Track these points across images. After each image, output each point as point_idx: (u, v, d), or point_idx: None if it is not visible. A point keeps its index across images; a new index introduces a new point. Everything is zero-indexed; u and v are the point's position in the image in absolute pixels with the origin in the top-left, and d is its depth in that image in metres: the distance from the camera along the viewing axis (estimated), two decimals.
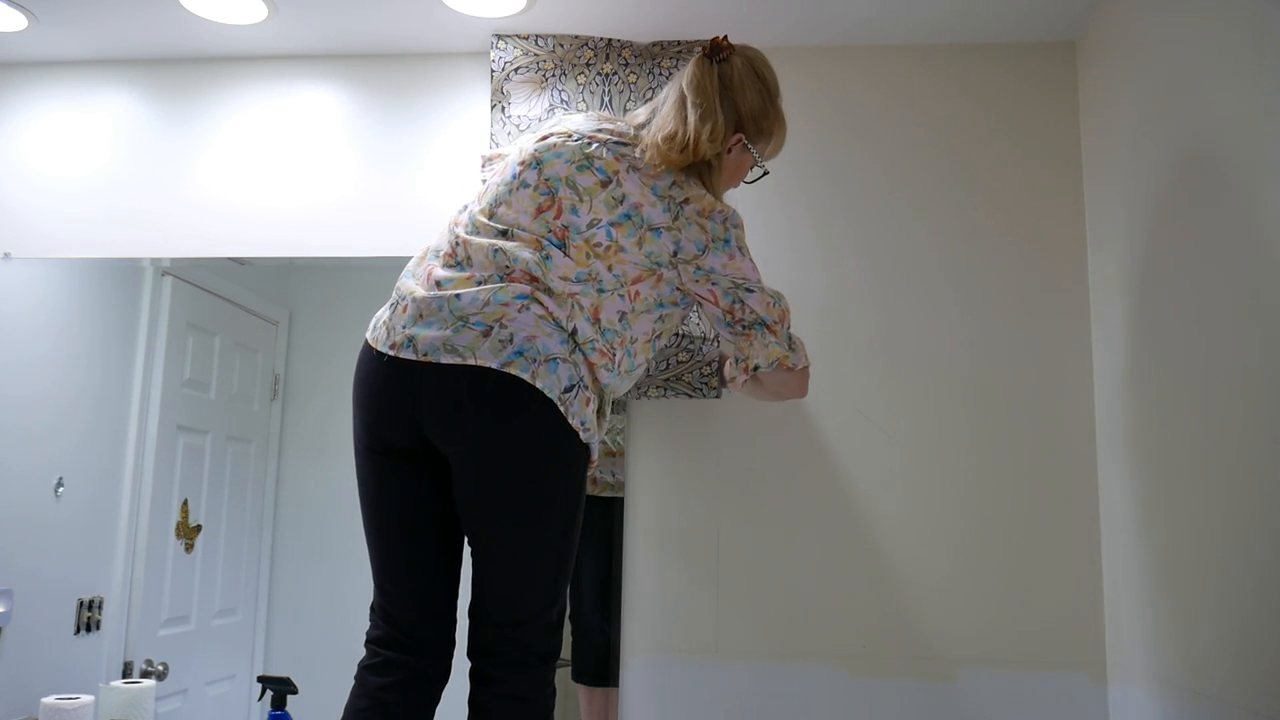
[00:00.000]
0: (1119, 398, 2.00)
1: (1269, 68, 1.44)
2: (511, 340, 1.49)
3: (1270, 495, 1.42)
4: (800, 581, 2.12)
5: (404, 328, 1.54)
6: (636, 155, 1.65)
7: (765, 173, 1.79)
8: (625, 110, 2.21)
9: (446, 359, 1.50)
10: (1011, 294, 2.18)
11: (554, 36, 2.26)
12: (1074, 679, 2.04)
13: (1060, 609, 2.06)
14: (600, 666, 2.14)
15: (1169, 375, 1.76)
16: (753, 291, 1.66)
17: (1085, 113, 2.19)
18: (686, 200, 1.64)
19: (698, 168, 1.68)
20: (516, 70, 2.25)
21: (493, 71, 2.25)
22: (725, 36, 1.72)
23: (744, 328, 1.68)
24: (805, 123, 2.27)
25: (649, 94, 2.22)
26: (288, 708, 2.12)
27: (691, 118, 1.64)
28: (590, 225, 1.59)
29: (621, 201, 1.61)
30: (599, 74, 2.24)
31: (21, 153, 2.45)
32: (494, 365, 1.48)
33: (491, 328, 1.50)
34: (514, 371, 1.48)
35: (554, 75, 2.24)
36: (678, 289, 1.66)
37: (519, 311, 1.51)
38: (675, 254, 1.63)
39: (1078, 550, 2.08)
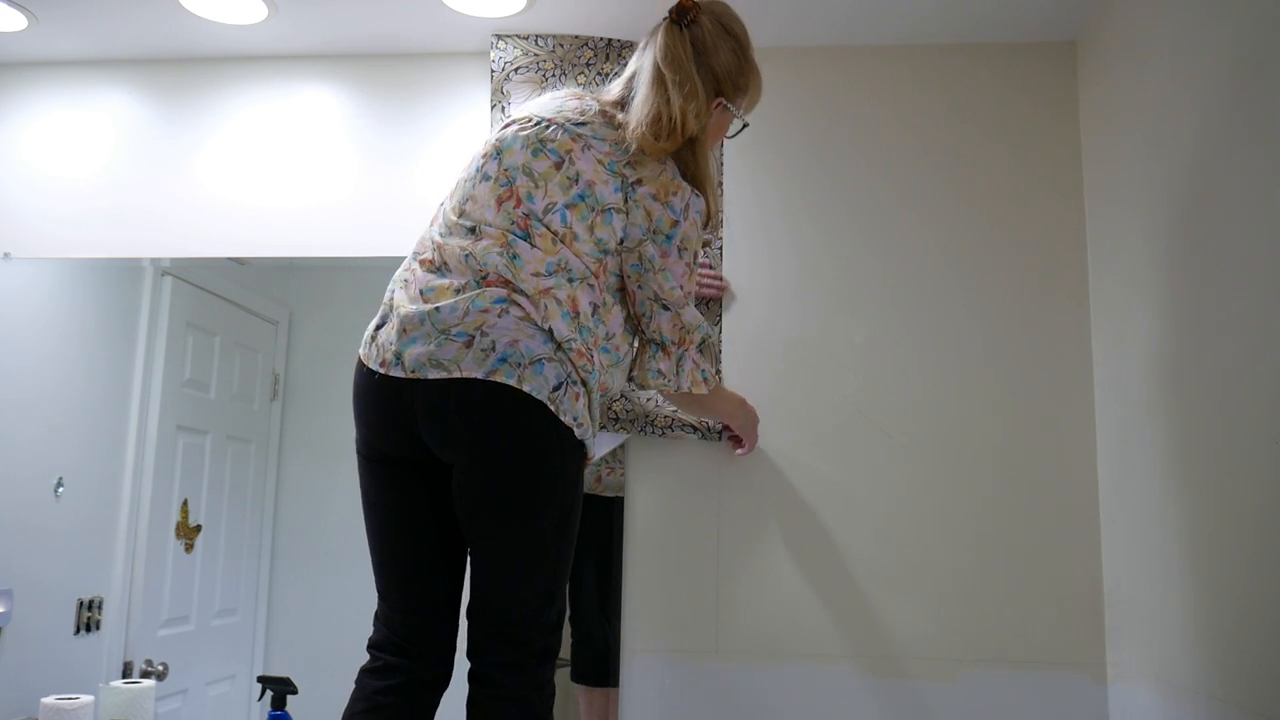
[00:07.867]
0: (1119, 398, 1.99)
1: (1270, 66, 1.44)
2: (494, 348, 1.49)
3: (1270, 495, 1.42)
4: (800, 581, 2.12)
5: (391, 345, 1.54)
6: (590, 133, 1.62)
7: (745, 125, 1.77)
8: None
9: (433, 374, 1.50)
10: (1012, 293, 2.18)
11: (554, 36, 2.26)
12: (1074, 679, 2.03)
13: (1060, 609, 2.06)
14: (600, 667, 2.14)
15: (1169, 375, 1.76)
16: (668, 310, 1.67)
17: (1085, 112, 2.19)
18: (639, 181, 1.62)
19: (682, 148, 1.65)
20: (516, 70, 2.25)
21: (493, 71, 2.25)
22: None
23: (644, 340, 1.71)
24: (801, 124, 2.27)
25: None
26: (288, 708, 2.12)
27: (675, 98, 1.61)
28: (547, 210, 1.59)
29: (576, 181, 1.60)
30: (599, 74, 2.24)
31: (21, 153, 2.45)
32: (479, 375, 1.48)
33: (473, 337, 1.50)
34: (500, 379, 1.48)
35: (554, 75, 2.24)
36: (617, 274, 1.67)
37: (499, 317, 1.51)
38: (621, 241, 1.63)
39: (1078, 550, 2.08)
